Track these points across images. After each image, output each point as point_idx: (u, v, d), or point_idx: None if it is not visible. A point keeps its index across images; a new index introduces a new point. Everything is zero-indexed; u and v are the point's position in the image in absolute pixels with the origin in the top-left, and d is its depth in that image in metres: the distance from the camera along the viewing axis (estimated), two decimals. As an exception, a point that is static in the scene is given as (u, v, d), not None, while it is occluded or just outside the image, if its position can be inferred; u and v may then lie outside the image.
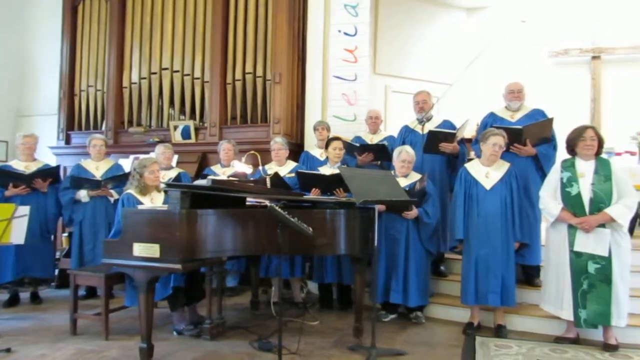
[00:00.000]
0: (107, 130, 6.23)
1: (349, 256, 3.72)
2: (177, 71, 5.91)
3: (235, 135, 5.46)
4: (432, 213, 3.85)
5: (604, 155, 3.51)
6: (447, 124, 4.43)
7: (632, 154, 6.44)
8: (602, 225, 3.29)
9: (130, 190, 3.66)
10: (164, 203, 3.62)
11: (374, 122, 4.82)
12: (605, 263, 3.27)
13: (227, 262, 4.01)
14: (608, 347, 3.31)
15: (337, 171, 3.91)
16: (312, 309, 4.39)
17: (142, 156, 4.43)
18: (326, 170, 4.33)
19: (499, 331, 3.65)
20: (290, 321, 3.95)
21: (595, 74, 6.82)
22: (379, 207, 3.50)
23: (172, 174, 4.66)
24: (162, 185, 3.70)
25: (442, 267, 4.47)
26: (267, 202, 3.36)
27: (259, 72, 5.53)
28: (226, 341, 3.52)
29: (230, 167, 4.73)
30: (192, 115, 5.89)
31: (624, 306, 3.27)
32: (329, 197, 4.01)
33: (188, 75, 5.87)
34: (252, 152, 4.65)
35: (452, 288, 4.22)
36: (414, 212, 3.82)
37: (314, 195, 4.10)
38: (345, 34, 5.39)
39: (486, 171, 3.70)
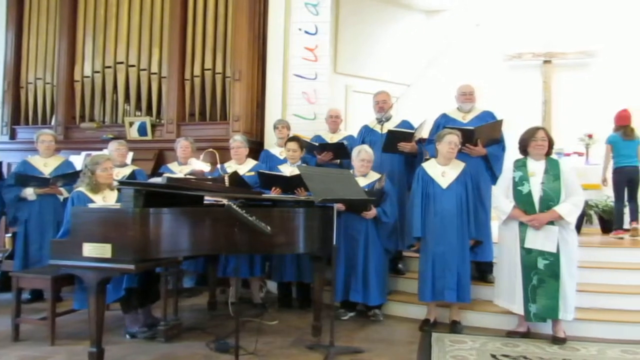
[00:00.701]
0: (56, 125, 5.94)
1: (308, 255, 3.71)
2: (133, 65, 5.71)
3: (193, 133, 5.32)
4: (390, 212, 3.90)
5: (553, 156, 3.66)
6: (405, 123, 4.49)
7: (580, 154, 6.79)
8: (552, 223, 3.42)
9: (81, 188, 3.51)
10: (117, 202, 3.48)
11: (334, 121, 4.83)
12: (554, 259, 3.40)
13: (184, 262, 3.91)
14: (556, 340, 3.44)
15: (297, 170, 3.89)
16: (271, 308, 4.35)
17: (94, 153, 4.25)
18: (286, 169, 4.30)
19: (454, 327, 3.73)
20: (249, 321, 3.89)
21: (546, 77, 7.13)
22: (338, 206, 3.51)
23: (127, 171, 4.51)
24: (115, 183, 3.56)
25: (400, 265, 4.53)
26: (224, 201, 3.30)
27: (219, 68, 5.43)
28: (182, 343, 3.43)
29: (188, 165, 4.62)
30: (149, 112, 5.71)
31: (571, 300, 3.41)
32: (288, 195, 3.98)
33: (144, 70, 5.68)
34: (211, 149, 4.56)
35: (410, 285, 4.28)
36: (372, 212, 3.85)
37: (274, 194, 4.07)
38: (306, 32, 5.37)
39: (442, 170, 3.78)
